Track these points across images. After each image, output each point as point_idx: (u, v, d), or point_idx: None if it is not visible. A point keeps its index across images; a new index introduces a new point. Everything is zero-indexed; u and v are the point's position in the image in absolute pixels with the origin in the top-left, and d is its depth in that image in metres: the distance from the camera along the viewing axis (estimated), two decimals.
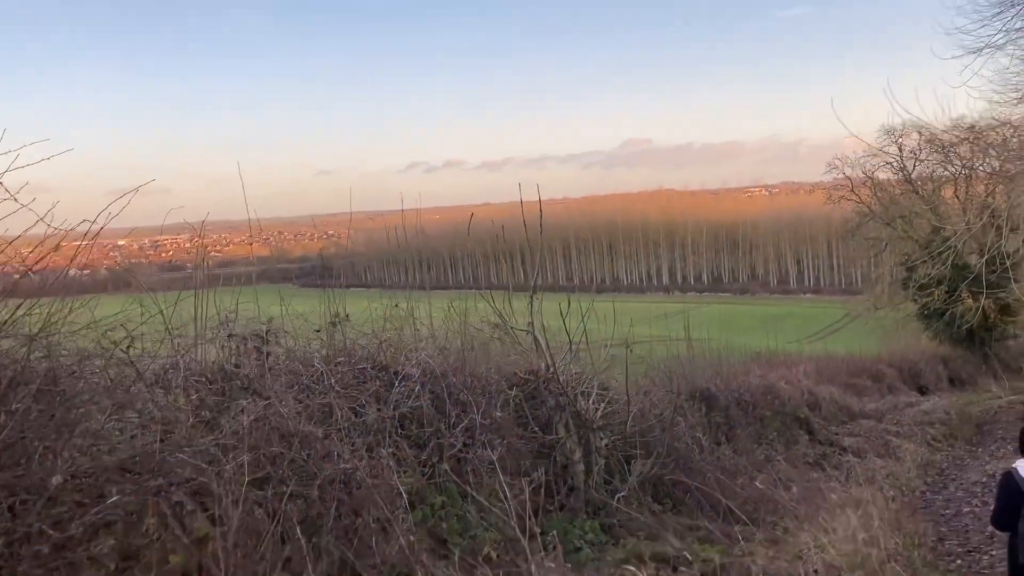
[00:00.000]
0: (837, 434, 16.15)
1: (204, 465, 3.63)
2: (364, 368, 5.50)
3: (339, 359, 5.51)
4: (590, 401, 7.06)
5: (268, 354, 4.89)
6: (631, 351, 8.29)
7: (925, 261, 34.37)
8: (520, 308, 7.45)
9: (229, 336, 4.82)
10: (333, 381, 5.03)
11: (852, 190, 44.81)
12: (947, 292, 32.22)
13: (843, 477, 12.82)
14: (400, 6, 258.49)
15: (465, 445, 5.51)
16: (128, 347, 4.32)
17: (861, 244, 47.98)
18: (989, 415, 20.08)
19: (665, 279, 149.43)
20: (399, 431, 5.29)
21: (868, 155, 41.35)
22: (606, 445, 7.13)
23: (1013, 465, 5.67)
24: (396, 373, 5.59)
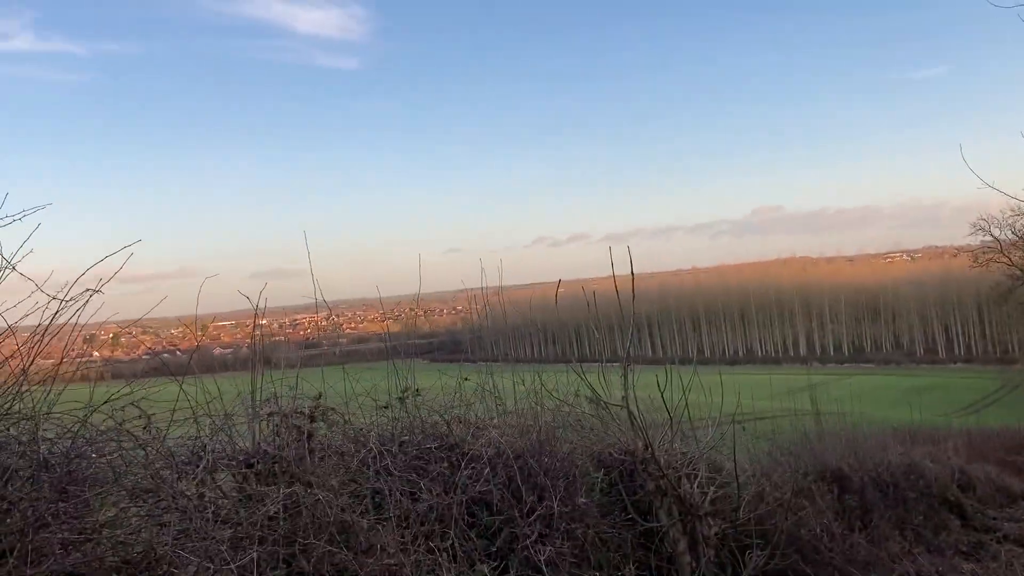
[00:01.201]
0: (995, 519, 14.46)
1: (208, 562, 3.26)
2: (429, 448, 5.06)
3: (403, 437, 5.10)
4: (695, 484, 6.35)
5: (310, 434, 4.54)
6: (744, 428, 7.52)
7: None
8: (618, 382, 6.90)
9: (270, 414, 4.51)
10: (389, 462, 4.61)
11: (1001, 251, 42.04)
12: None
13: (1002, 569, 11.38)
14: (512, 82, 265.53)
15: (541, 536, 4.94)
16: (163, 428, 4.10)
17: (1015, 309, 44.70)
18: None
19: (803, 350, 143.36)
20: (466, 519, 4.80)
21: (1017, 214, 38.84)
22: (716, 534, 6.38)
23: None
24: (464, 454, 5.13)
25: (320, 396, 4.82)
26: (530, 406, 6.23)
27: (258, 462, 4.12)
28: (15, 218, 4.07)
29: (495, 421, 5.84)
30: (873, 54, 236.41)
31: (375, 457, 4.60)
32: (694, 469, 6.51)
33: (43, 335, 3.97)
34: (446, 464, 4.98)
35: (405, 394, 5.55)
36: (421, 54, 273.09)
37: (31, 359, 3.94)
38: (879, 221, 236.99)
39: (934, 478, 14.25)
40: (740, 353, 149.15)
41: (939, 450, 17.92)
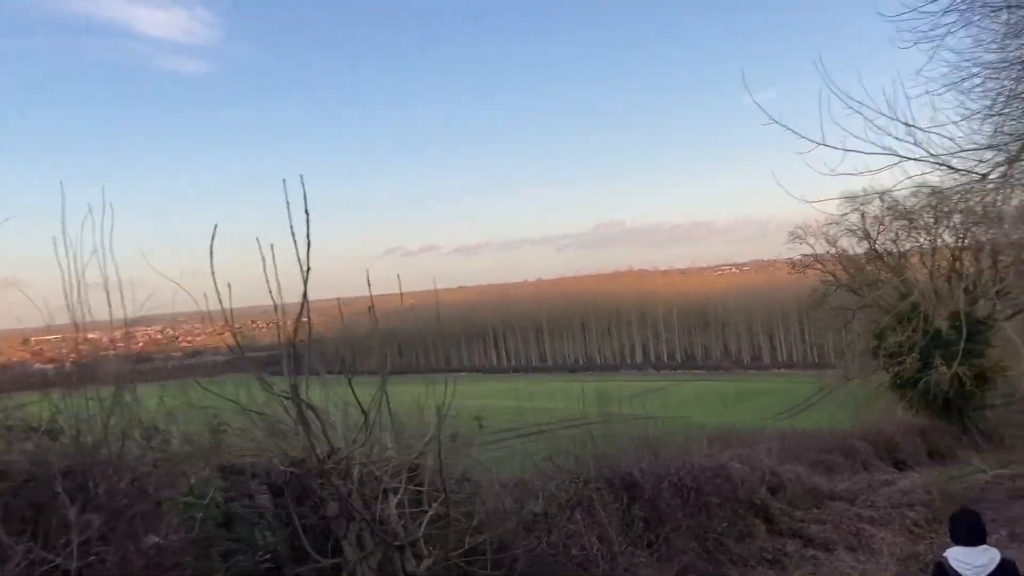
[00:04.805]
0: (802, 521, 13.79)
1: None
2: None
3: None
4: (393, 503, 4.74)
5: None
6: (482, 426, 6.03)
7: (894, 328, 32.75)
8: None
9: None
10: None
11: (817, 260, 43.54)
12: (919, 360, 30.50)
13: None
14: (365, 99, 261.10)
15: None
16: None
17: (828, 315, 46.46)
18: (975, 492, 17.78)
19: (639, 358, 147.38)
20: None
21: (830, 223, 40.23)
22: (427, 568, 4.77)
23: (944, 554, 5.53)
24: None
25: None
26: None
27: None
28: None
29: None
30: (711, 76, 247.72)
31: None
32: (398, 483, 4.87)
33: None
34: None
35: None
36: (270, 60, 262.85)
37: None
38: (712, 236, 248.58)
39: (741, 481, 13.40)
40: (580, 361, 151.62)
41: (752, 452, 17.32)
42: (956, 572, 5.35)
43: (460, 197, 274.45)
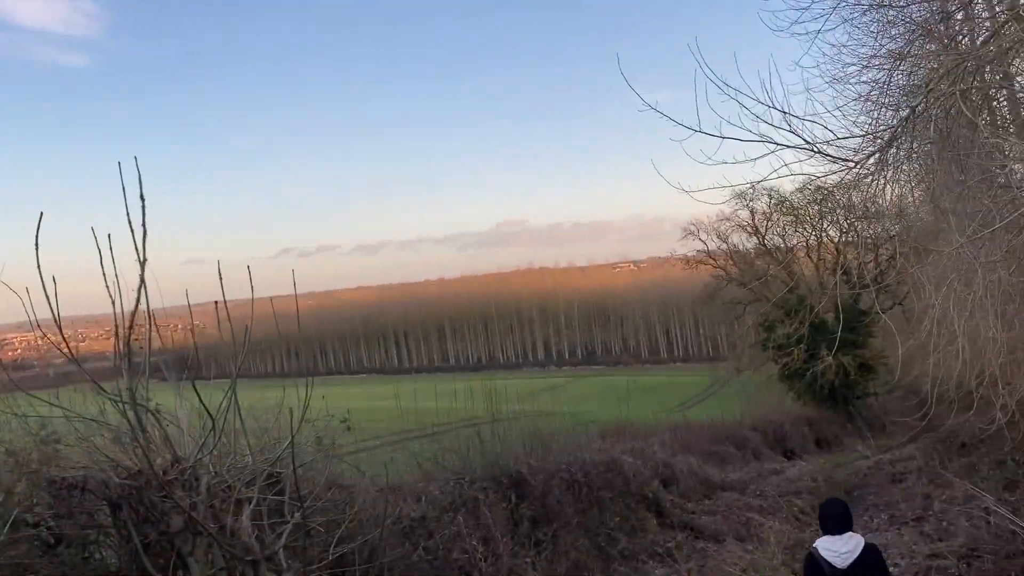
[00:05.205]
0: (694, 512, 13.90)
1: None
2: None
3: None
4: (245, 514, 4.35)
5: None
6: (349, 428, 5.68)
7: (782, 321, 33.87)
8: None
9: None
10: None
11: (709, 255, 44.66)
12: (806, 351, 31.59)
13: (696, 574, 10.49)
14: (265, 90, 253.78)
15: None
16: None
17: (720, 309, 47.74)
18: (858, 478, 18.44)
19: (541, 355, 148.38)
20: None
21: (721, 220, 41.31)
22: None
23: (814, 544, 5.61)
24: None
25: None
26: None
27: None
28: None
29: None
30: (609, 75, 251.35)
31: None
32: (251, 493, 4.48)
33: None
34: None
35: None
36: (156, 54, 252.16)
37: None
38: (610, 234, 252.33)
39: (633, 474, 13.40)
40: (483, 360, 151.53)
41: (646, 445, 17.43)
42: (825, 561, 5.42)
43: (361, 196, 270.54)
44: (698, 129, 6.04)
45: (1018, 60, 8.25)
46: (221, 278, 4.65)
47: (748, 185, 28.68)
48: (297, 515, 4.63)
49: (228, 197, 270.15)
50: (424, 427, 11.89)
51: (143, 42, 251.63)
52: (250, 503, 4.42)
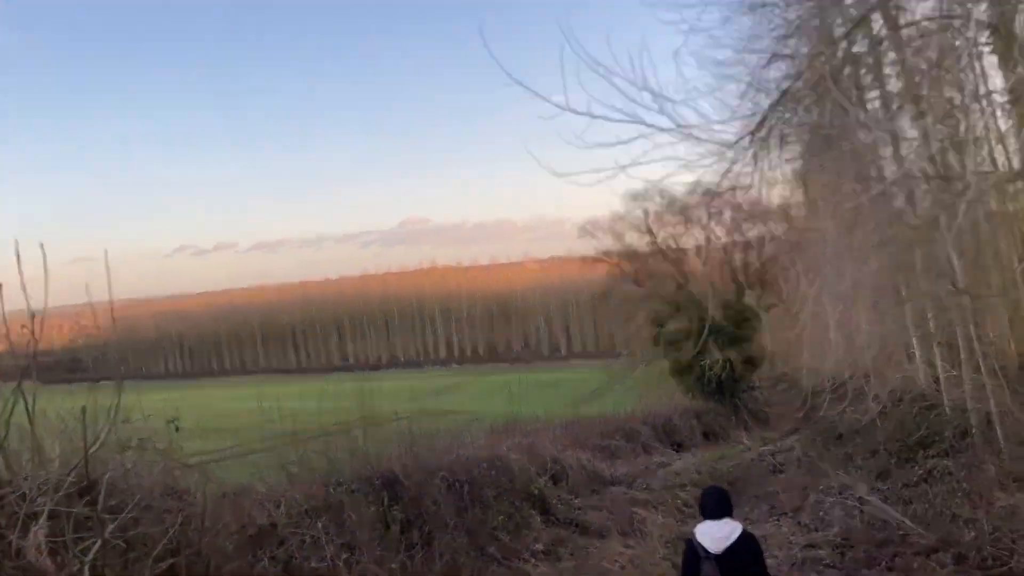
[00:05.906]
0: (580, 508, 13.78)
1: None
2: None
3: None
4: (38, 529, 3.85)
5: None
6: (178, 429, 5.20)
7: (673, 317, 34.66)
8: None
9: None
10: None
11: (604, 254, 45.23)
12: (695, 346, 32.29)
13: (575, 571, 10.32)
14: (154, 84, 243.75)
15: None
16: None
17: (616, 306, 48.45)
18: (741, 470, 18.76)
19: (443, 353, 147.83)
20: None
21: (617, 219, 41.93)
22: None
23: (693, 530, 5.68)
24: None
25: None
26: None
27: None
28: None
29: None
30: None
31: None
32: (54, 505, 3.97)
33: None
34: None
35: None
36: (49, 47, 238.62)
37: None
38: (513, 234, 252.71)
39: (518, 471, 13.20)
40: (383, 359, 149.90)
41: (535, 441, 17.28)
42: (701, 545, 5.47)
43: (258, 193, 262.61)
44: (566, 107, 5.82)
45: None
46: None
47: (618, 168, 28.98)
48: (112, 527, 4.14)
49: (113, 191, 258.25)
50: (301, 431, 11.31)
51: (35, 32, 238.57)
52: (40, 517, 3.89)
